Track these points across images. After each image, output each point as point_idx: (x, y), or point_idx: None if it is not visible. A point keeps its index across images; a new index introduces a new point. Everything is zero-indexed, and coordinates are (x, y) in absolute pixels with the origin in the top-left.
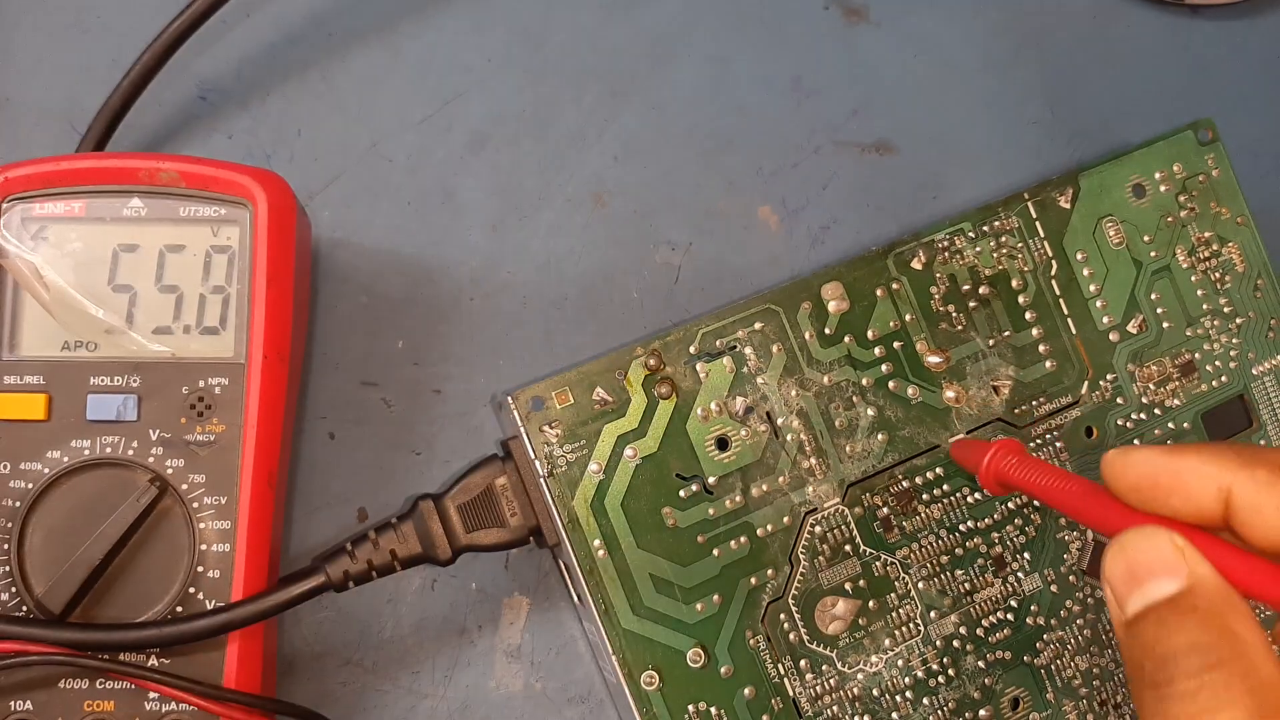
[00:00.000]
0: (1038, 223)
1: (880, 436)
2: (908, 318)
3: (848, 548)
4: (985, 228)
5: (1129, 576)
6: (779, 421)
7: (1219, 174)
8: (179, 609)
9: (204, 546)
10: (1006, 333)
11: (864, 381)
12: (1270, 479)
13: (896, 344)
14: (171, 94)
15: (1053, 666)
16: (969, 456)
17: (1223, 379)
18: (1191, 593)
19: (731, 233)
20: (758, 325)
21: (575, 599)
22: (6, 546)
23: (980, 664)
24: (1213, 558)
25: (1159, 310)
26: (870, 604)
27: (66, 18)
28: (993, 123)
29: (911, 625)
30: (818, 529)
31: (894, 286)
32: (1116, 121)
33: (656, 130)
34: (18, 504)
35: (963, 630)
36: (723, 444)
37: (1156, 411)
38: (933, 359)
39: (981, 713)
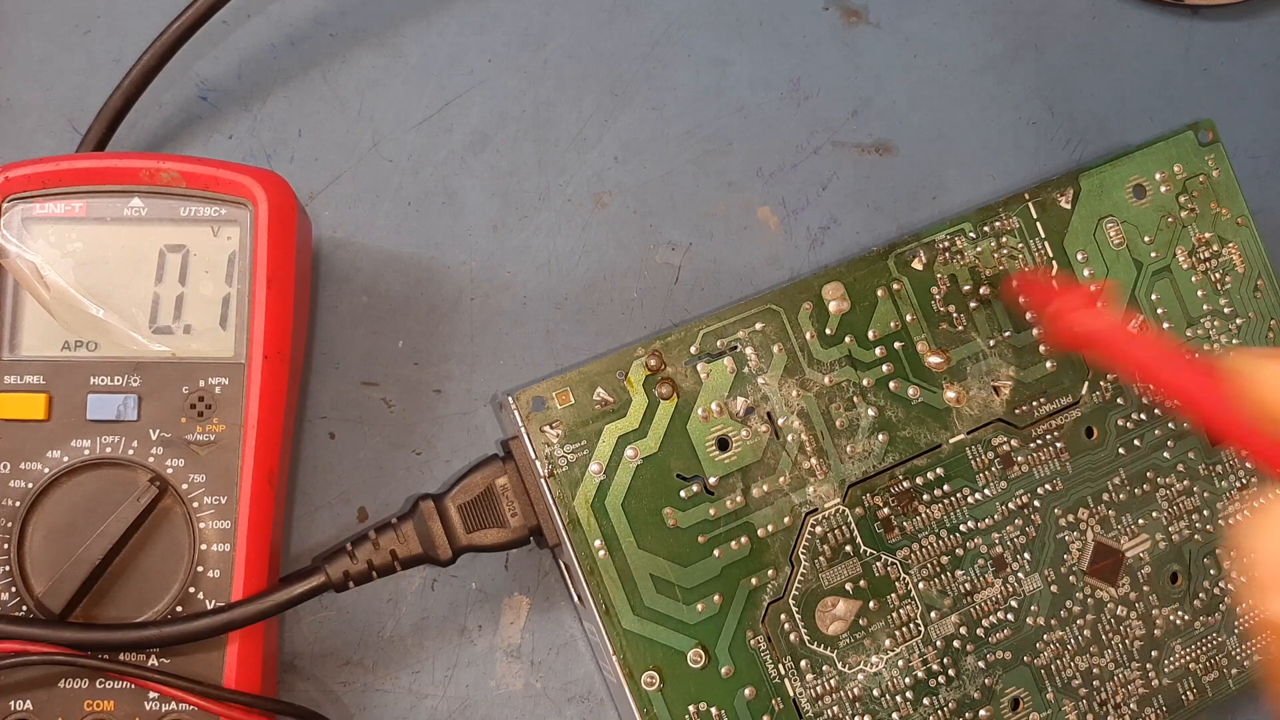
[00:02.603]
0: (1038, 223)
1: (881, 437)
2: (908, 318)
3: (848, 548)
4: (986, 228)
5: None
6: (780, 422)
7: (1219, 174)
8: (179, 609)
9: (204, 546)
10: (1007, 333)
11: (865, 382)
12: None
13: (897, 344)
14: (172, 94)
15: (1053, 666)
16: (1037, 295)
17: None
18: None
19: (731, 233)
20: (758, 325)
21: (575, 599)
22: (6, 546)
23: (980, 664)
24: None
25: (1159, 311)
26: (871, 604)
27: (67, 18)
28: (992, 123)
29: (912, 625)
30: (818, 529)
31: (895, 287)
32: (1116, 122)
33: (656, 131)
34: (18, 504)
35: (963, 630)
36: (723, 444)
37: (1156, 412)
38: (933, 359)
39: (981, 713)
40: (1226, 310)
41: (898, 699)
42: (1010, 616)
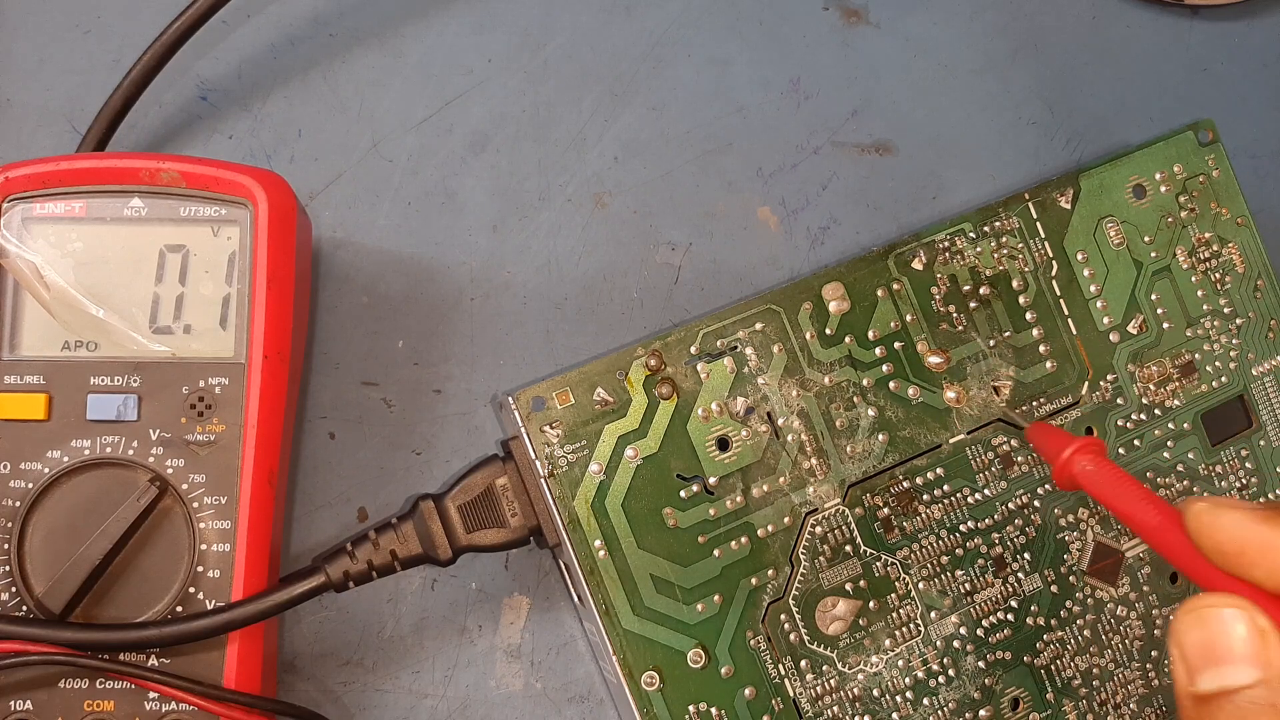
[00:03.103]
0: (1038, 223)
1: (881, 437)
2: (908, 318)
3: (848, 548)
4: (986, 228)
5: (1205, 652)
6: (780, 422)
7: (1219, 174)
8: (179, 609)
9: (204, 546)
10: (1007, 333)
11: (865, 382)
12: None
13: (897, 344)
14: (172, 94)
15: (1053, 666)
16: (1047, 445)
17: (1222, 379)
18: (1268, 685)
19: (731, 233)
20: (758, 325)
21: (575, 599)
22: (6, 546)
23: (980, 664)
24: None
25: (1159, 311)
26: (871, 604)
27: (67, 18)
28: (992, 123)
29: (912, 625)
30: (818, 529)
31: (895, 287)
32: (1116, 122)
33: (656, 131)
34: (18, 504)
35: (963, 630)
36: (723, 444)
37: (1156, 412)
38: (933, 359)
39: (981, 713)
40: (1226, 310)
41: (898, 699)
42: (1010, 616)
